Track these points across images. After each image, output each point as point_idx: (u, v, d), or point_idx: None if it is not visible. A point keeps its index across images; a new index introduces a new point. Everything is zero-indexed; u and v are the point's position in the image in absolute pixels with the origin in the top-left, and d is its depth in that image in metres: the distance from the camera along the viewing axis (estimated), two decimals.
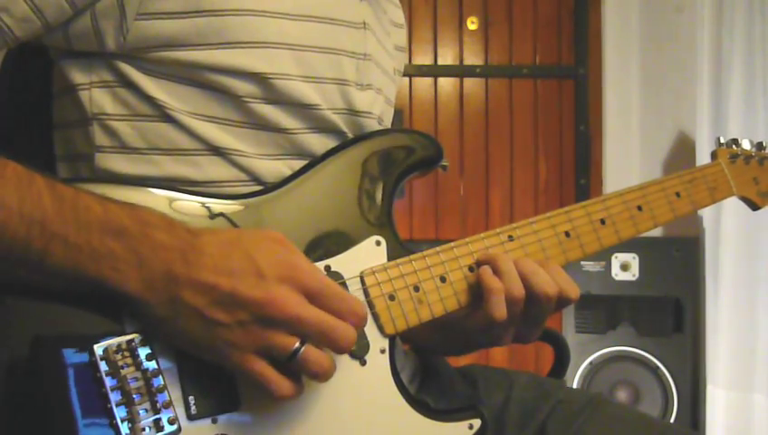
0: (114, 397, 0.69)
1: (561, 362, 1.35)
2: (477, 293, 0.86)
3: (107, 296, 0.71)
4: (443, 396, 0.99)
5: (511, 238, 0.90)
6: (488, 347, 0.92)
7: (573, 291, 0.88)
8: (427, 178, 3.15)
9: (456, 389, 1.03)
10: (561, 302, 0.87)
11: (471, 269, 0.87)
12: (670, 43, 3.02)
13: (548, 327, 0.95)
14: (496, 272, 0.85)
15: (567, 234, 0.93)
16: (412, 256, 0.85)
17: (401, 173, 0.89)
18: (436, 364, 1.06)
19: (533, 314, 0.87)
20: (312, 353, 0.70)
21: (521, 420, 0.98)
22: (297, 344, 0.69)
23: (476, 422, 0.83)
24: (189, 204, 0.79)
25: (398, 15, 1.10)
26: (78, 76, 0.84)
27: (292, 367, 0.70)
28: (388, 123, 1.01)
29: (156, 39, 0.80)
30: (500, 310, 0.84)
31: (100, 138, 0.83)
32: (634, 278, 2.68)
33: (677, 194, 1.03)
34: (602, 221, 0.96)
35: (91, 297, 0.71)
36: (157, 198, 0.78)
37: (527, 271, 0.86)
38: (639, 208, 0.99)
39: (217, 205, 0.80)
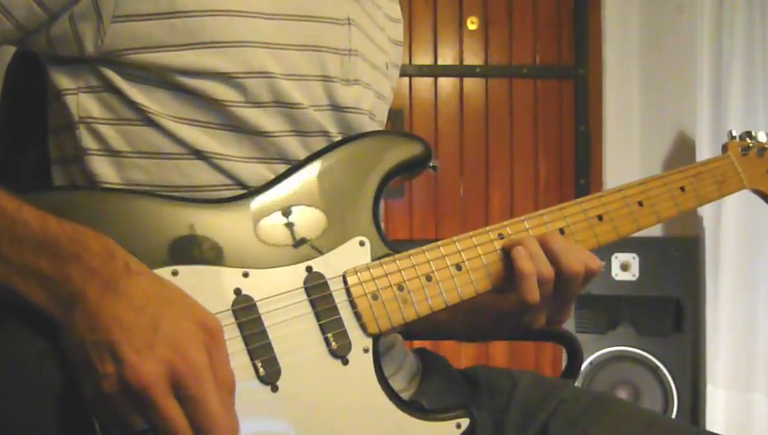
0: None
1: (575, 363, 1.33)
2: (510, 278, 0.87)
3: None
4: (439, 397, 0.98)
5: (501, 237, 0.89)
6: (521, 331, 0.93)
7: (596, 264, 0.89)
8: (428, 178, 3.16)
9: (454, 390, 1.03)
10: (587, 277, 0.88)
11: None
12: (670, 43, 3.02)
13: (561, 328, 0.94)
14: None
15: (561, 231, 0.92)
16: (397, 256, 0.85)
17: (387, 174, 0.88)
18: (436, 365, 1.06)
19: (564, 292, 0.88)
20: None
21: (521, 421, 0.98)
22: (143, 429, 0.66)
23: (464, 422, 0.83)
24: (167, 208, 0.79)
25: (394, 9, 1.09)
26: (66, 82, 0.85)
27: None
28: (381, 118, 1.01)
29: (132, 41, 0.81)
30: (533, 293, 0.85)
31: (87, 141, 0.84)
32: (634, 278, 2.67)
33: (682, 188, 1.01)
34: (599, 217, 0.95)
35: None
36: (138, 204, 0.78)
37: (557, 249, 0.87)
38: (640, 204, 0.98)
39: (196, 209, 0.80)
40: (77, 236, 0.70)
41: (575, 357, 1.33)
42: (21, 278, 0.69)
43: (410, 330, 1.04)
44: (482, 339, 1.05)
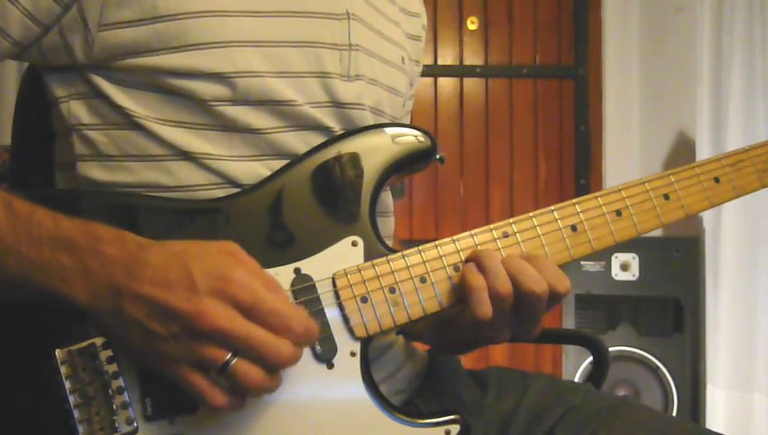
0: (72, 399, 0.73)
1: (599, 367, 1.28)
2: (461, 293, 0.82)
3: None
4: (439, 399, 0.97)
5: (506, 235, 0.85)
6: (485, 345, 0.88)
7: (562, 285, 0.82)
8: (428, 178, 3.16)
9: (459, 392, 1.00)
10: (552, 298, 0.82)
11: (457, 269, 0.83)
12: (670, 43, 3.02)
13: (583, 332, 0.91)
14: (481, 269, 0.81)
15: (573, 228, 0.86)
16: (390, 257, 0.82)
17: (387, 169, 0.85)
18: (445, 366, 1.04)
19: (526, 312, 0.83)
20: (241, 367, 0.70)
21: (527, 426, 0.96)
22: (228, 357, 0.70)
23: (455, 428, 0.80)
24: (157, 210, 0.80)
25: (411, 4, 1.07)
26: (59, 90, 0.86)
27: (224, 381, 0.71)
28: (392, 113, 0.99)
29: (120, 48, 0.82)
30: (483, 308, 0.80)
31: (79, 147, 0.86)
32: (634, 278, 2.67)
33: (716, 179, 0.92)
34: (618, 213, 0.88)
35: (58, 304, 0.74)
36: (129, 205, 0.81)
37: (514, 269, 0.81)
38: (666, 197, 0.90)
39: (181, 210, 0.81)
40: (88, 228, 0.74)
41: (599, 360, 1.27)
42: (43, 275, 0.73)
43: (413, 332, 1.03)
44: (456, 351, 1.00)
